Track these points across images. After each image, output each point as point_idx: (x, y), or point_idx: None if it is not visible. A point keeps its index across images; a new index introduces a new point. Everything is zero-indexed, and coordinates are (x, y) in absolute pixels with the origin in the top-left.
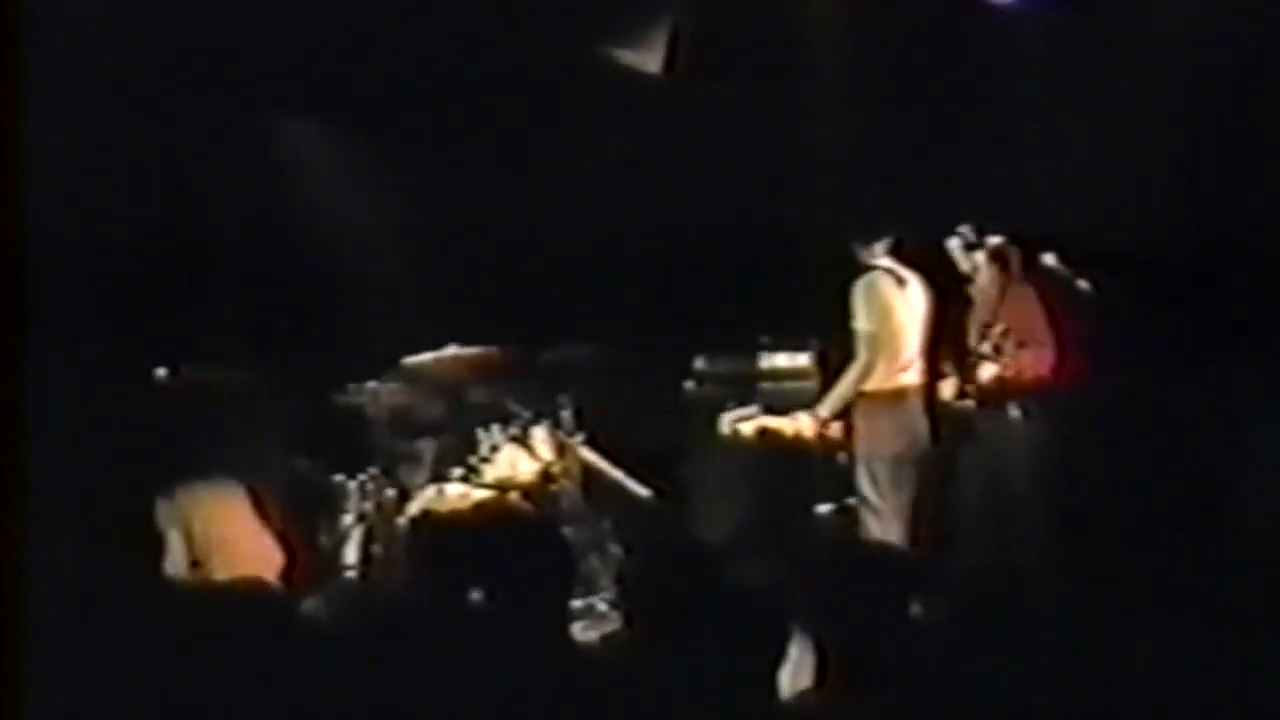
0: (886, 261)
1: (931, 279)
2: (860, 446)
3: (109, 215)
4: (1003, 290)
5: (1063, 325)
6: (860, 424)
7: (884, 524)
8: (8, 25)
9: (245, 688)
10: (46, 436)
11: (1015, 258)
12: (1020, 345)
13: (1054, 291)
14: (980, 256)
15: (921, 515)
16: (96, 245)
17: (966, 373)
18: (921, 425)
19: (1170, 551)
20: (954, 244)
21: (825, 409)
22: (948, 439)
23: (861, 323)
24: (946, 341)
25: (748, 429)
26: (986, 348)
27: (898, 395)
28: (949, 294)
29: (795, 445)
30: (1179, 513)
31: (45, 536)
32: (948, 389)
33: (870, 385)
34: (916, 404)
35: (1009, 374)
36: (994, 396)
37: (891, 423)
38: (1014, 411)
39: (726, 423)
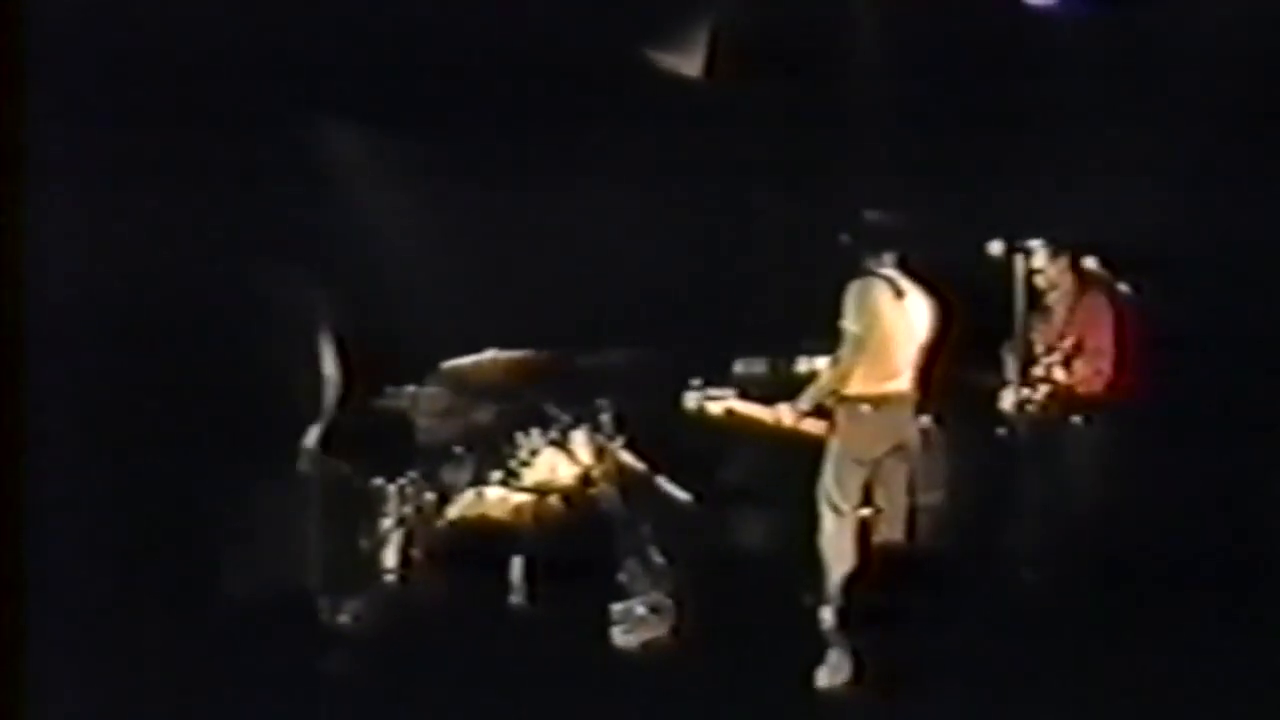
0: (890, 271)
1: (938, 294)
2: (838, 445)
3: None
4: (1076, 300)
5: (1127, 340)
6: (843, 424)
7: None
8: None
9: (281, 692)
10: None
11: (1092, 267)
12: (1078, 355)
13: (1126, 304)
14: (1060, 265)
15: (902, 519)
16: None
17: (1030, 384)
18: (910, 431)
19: (1222, 564)
20: (1038, 256)
21: (804, 402)
22: (1014, 449)
23: (849, 324)
24: (950, 356)
25: (715, 408)
26: (1054, 358)
27: (883, 400)
28: (955, 309)
29: (768, 432)
30: (1233, 527)
31: (74, 535)
32: (1008, 400)
33: (855, 389)
34: (905, 411)
35: (1065, 385)
36: (1050, 408)
37: (875, 427)
38: (1074, 418)
39: (691, 399)
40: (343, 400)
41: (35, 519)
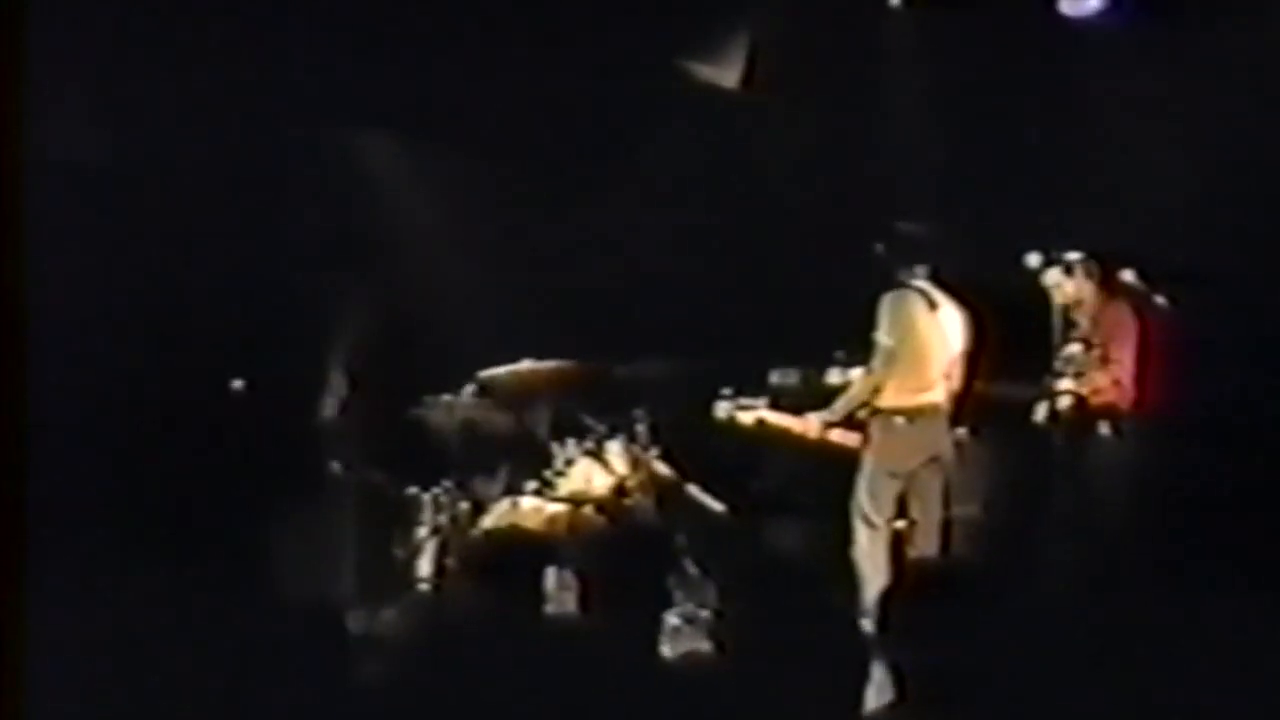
0: (922, 283)
1: (972, 307)
2: (872, 457)
3: (181, 224)
4: (1099, 312)
5: (1151, 353)
6: (877, 436)
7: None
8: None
9: (314, 702)
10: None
11: (1115, 276)
12: (1103, 364)
13: (1147, 312)
14: (1079, 276)
15: (936, 531)
16: (162, 250)
17: (1051, 395)
18: (944, 443)
19: (1259, 575)
20: (1053, 272)
21: (831, 413)
22: (1042, 459)
23: (882, 336)
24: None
25: (746, 418)
26: (1067, 368)
27: (918, 412)
28: (987, 321)
29: (804, 443)
30: (1269, 540)
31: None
32: (1040, 412)
33: (888, 401)
34: (939, 422)
35: (1087, 394)
36: (1074, 419)
37: (910, 439)
38: (1104, 429)
39: (723, 409)
40: (344, 408)
41: (61, 546)
